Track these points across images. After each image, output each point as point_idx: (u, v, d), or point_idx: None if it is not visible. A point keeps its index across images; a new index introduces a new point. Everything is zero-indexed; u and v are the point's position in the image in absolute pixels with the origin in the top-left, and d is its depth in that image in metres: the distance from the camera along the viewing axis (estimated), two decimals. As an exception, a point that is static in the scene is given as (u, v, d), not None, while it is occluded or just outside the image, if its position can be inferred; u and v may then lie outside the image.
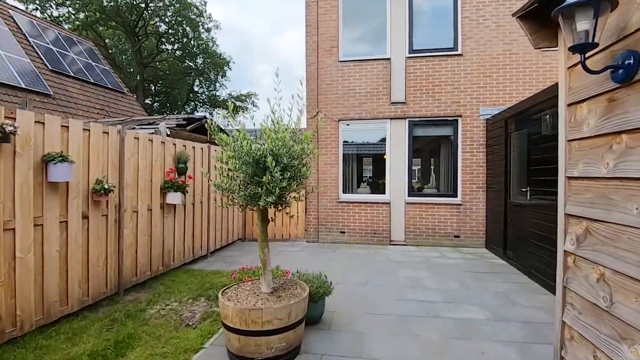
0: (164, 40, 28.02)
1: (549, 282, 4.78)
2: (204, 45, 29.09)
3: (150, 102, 28.95)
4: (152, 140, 5.11)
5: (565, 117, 2.05)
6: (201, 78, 30.63)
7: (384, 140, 8.08)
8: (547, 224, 4.91)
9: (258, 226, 3.02)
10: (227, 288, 3.17)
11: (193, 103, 31.38)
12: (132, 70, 27.49)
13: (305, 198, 7.70)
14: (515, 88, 7.52)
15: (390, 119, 7.93)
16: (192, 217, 6.15)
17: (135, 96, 20.98)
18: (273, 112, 2.70)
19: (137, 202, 4.86)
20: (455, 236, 7.75)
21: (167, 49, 28.78)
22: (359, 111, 7.98)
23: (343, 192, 8.22)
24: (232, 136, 2.74)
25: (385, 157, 8.11)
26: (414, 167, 8.16)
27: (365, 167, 8.95)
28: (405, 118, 7.88)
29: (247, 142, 2.65)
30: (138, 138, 4.85)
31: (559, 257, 2.10)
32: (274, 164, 2.43)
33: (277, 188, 2.52)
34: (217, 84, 31.27)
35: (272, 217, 3.12)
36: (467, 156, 7.72)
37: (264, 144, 2.75)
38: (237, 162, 2.75)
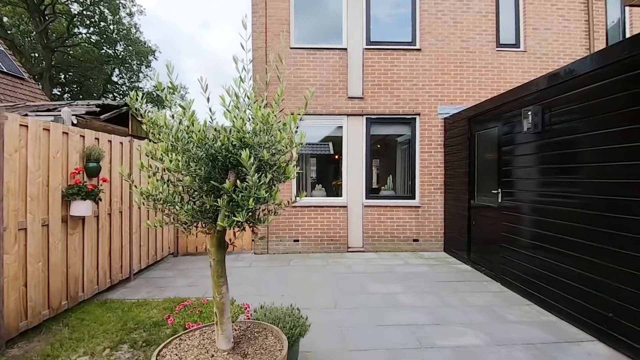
0: (77, 22, 24.30)
1: (526, 289, 4.47)
2: (125, 31, 25.89)
3: (59, 92, 25.00)
4: (49, 130, 3.74)
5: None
6: (122, 67, 27.27)
7: (340, 138, 7.40)
8: (524, 227, 4.61)
9: (211, 254, 2.05)
10: (164, 346, 2.14)
11: (111, 95, 27.80)
12: (37, 55, 23.37)
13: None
14: (472, 87, 7.37)
15: (347, 115, 7.29)
16: (109, 232, 4.79)
17: (40, 85, 17.67)
18: (242, 80, 1.76)
19: (26, 216, 3.47)
20: (414, 240, 7.37)
21: (81, 33, 25.06)
22: (314, 105, 7.19)
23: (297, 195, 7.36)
24: (173, 115, 1.75)
25: (341, 156, 7.45)
26: (371, 168, 7.61)
27: (320, 168, 8.19)
28: (363, 115, 7.29)
29: (199, 126, 1.68)
30: (27, 125, 3.47)
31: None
32: (251, 161, 1.51)
33: (252, 199, 1.60)
34: (141, 75, 28.11)
35: (231, 240, 2.17)
36: (425, 156, 7.40)
37: (223, 131, 1.80)
38: (181, 157, 1.77)
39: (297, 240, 7.20)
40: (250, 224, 1.91)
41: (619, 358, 2.97)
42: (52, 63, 22.95)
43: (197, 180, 1.82)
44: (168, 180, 2.01)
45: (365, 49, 7.26)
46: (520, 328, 3.61)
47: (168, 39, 51.42)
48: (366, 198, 7.31)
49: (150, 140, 1.99)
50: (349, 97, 7.22)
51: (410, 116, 7.37)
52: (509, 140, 4.96)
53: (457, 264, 6.37)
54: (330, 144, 7.87)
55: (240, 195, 1.62)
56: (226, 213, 1.72)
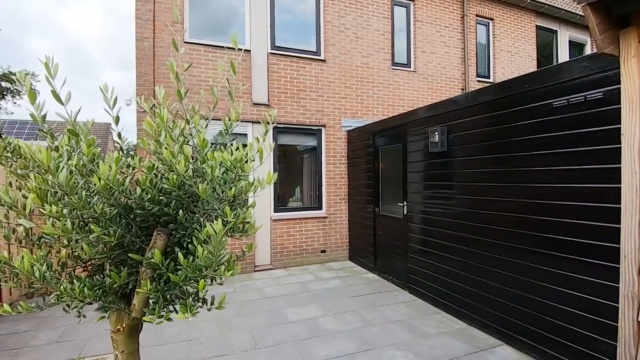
0: None
1: (434, 297, 4.75)
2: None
3: None
4: None
5: None
6: None
7: (244, 147, 6.79)
8: (428, 238, 4.89)
9: (116, 345, 1.38)
10: None
11: None
12: None
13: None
14: (371, 102, 7.70)
15: (253, 122, 6.76)
16: None
17: None
18: (180, 96, 0.98)
19: None
20: (322, 251, 7.29)
21: None
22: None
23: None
24: (57, 147, 1.06)
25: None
26: (279, 179, 7.23)
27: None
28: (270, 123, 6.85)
29: (108, 167, 1.05)
30: None
31: (623, 327, 1.57)
32: (221, 235, 0.95)
33: (204, 279, 1.06)
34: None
35: (146, 317, 1.53)
36: (331, 167, 7.40)
37: (147, 169, 1.19)
38: (68, 213, 1.09)
39: (196, 263, 6.30)
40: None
41: (528, 361, 3.31)
42: None
43: (99, 247, 1.16)
44: (40, 240, 1.27)
45: (270, 53, 6.85)
46: (442, 341, 3.74)
47: (12, 14, 40.93)
48: (275, 211, 6.89)
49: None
50: (254, 103, 6.70)
51: (316, 127, 7.26)
52: (415, 156, 5.23)
53: (365, 273, 6.51)
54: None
55: (182, 275, 1.06)
56: (153, 301, 1.13)
